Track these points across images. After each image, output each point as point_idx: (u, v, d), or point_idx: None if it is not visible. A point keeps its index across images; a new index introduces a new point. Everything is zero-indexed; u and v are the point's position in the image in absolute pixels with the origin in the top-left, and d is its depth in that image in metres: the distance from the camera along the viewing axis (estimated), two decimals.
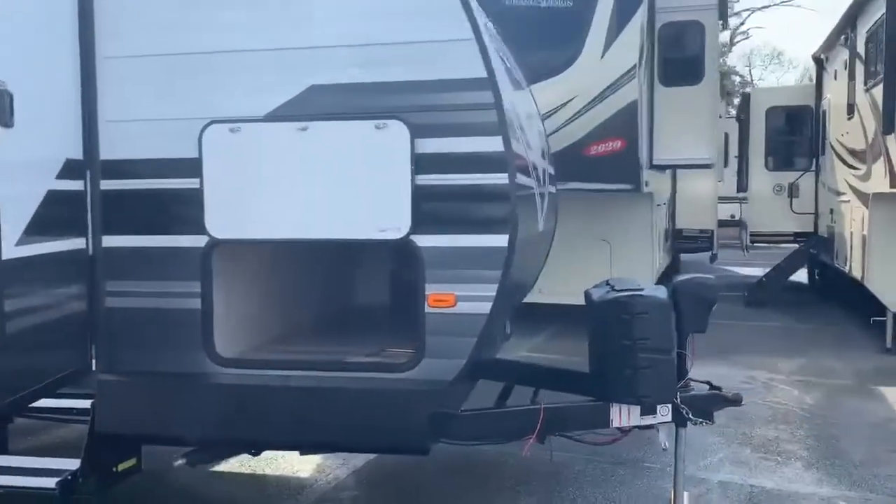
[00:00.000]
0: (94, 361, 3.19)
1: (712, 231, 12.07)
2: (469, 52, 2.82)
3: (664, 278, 11.20)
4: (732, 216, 15.48)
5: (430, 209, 2.91)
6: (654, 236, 8.51)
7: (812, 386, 6.74)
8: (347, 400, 3.02)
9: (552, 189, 4.89)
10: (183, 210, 3.04)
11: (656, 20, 7.49)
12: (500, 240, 2.87)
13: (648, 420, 3.82)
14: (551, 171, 4.93)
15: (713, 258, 13.21)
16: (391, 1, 2.93)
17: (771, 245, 13.05)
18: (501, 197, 2.86)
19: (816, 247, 11.23)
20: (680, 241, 12.44)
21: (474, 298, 2.91)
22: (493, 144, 2.86)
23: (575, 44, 6.56)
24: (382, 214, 2.90)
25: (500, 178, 2.86)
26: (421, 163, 2.89)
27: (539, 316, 8.15)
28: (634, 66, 6.43)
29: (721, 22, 9.00)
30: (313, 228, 2.99)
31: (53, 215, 2.88)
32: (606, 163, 6.67)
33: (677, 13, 7.51)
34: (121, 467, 3.36)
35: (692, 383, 4.03)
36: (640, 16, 6.62)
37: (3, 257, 2.54)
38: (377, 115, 2.90)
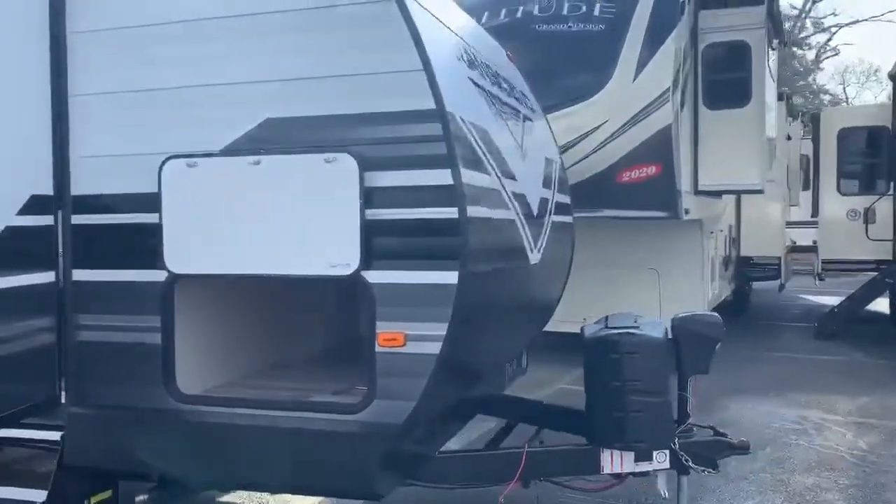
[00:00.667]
0: (62, 393, 3.22)
1: (780, 258, 11.50)
2: (417, 84, 2.73)
3: (729, 307, 10.75)
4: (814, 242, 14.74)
5: (379, 244, 2.81)
6: (704, 265, 8.14)
7: (869, 428, 6.24)
8: (301, 440, 2.93)
9: (563, 218, 4.71)
10: (144, 244, 3.05)
11: (699, 41, 7.22)
12: (450, 276, 2.74)
13: (644, 467, 3.60)
14: (563, 199, 4.75)
15: (781, 287, 12.58)
16: (340, 33, 2.86)
17: (846, 273, 12.29)
18: (451, 231, 2.74)
19: (894, 276, 10.51)
20: (748, 269, 11.91)
21: (424, 338, 2.78)
22: (441, 177, 2.74)
23: (606, 67, 6.37)
24: (333, 250, 2.82)
25: (450, 212, 2.74)
26: (370, 196, 2.80)
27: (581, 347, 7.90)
28: (667, 89, 6.18)
29: (778, 41, 8.61)
30: (267, 264, 2.93)
31: (14, 250, 2.94)
32: (641, 189, 6.42)
33: (722, 33, 7.21)
34: (94, 500, 3.37)
35: (695, 428, 3.78)
36: (675, 38, 6.37)
37: None
38: (327, 148, 2.83)
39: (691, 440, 3.67)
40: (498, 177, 3.29)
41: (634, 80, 6.30)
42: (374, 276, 2.82)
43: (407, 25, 2.74)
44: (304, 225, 2.86)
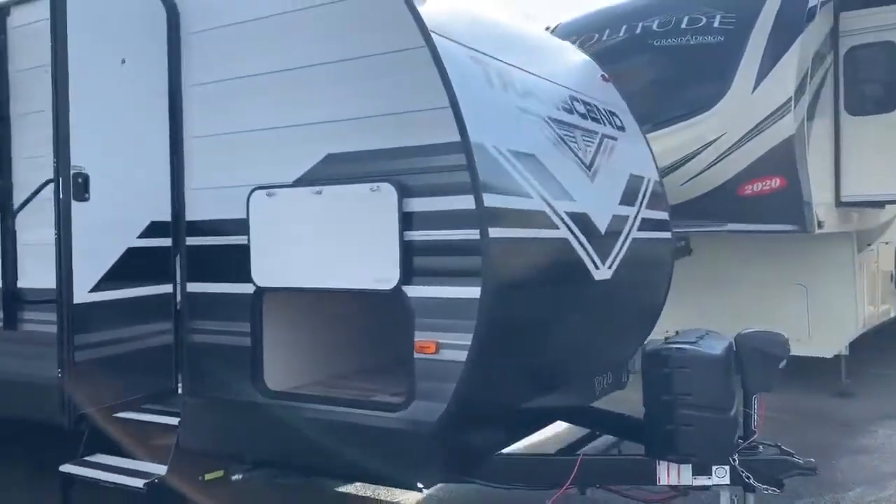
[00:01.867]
0: (179, 385, 3.89)
1: None
2: (445, 119, 3.06)
3: None
4: None
5: (415, 262, 3.18)
6: (858, 281, 7.61)
7: None
8: (356, 433, 3.35)
9: (652, 234, 4.78)
10: (238, 261, 3.63)
11: (840, 45, 6.83)
12: (474, 291, 3.04)
13: (703, 481, 3.65)
14: (653, 215, 4.81)
15: None
16: (382, 78, 3.27)
17: None
18: (473, 250, 3.04)
19: None
20: None
21: (453, 346, 3.09)
22: (465, 202, 3.05)
23: (724, 79, 6.25)
24: (378, 267, 3.23)
25: (472, 234, 3.04)
26: (407, 220, 3.18)
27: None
28: (790, 99, 5.96)
29: None
30: (326, 279, 3.41)
31: (135, 267, 3.64)
32: (765, 202, 6.21)
33: (864, 35, 6.77)
34: (207, 477, 4.01)
35: (762, 446, 3.74)
36: (802, 45, 6.11)
37: (76, 301, 3.33)
38: (372, 178, 3.25)
39: (754, 458, 3.65)
40: (544, 199, 3.52)
41: (753, 90, 6.13)
42: (412, 291, 3.19)
43: (437, 68, 3.08)
44: (354, 245, 3.30)
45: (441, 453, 3.23)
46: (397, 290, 3.20)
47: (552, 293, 3.57)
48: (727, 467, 3.59)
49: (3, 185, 4.54)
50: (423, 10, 3.24)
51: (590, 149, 4.26)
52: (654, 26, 6.72)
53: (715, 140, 6.30)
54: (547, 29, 8.24)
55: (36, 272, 3.97)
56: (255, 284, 3.59)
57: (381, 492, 5.21)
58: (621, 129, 4.91)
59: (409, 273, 3.18)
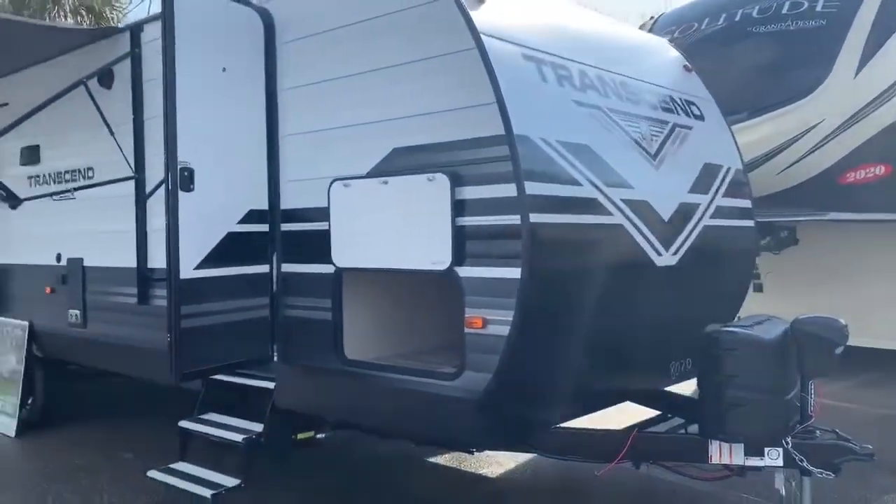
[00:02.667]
0: (274, 353, 4.42)
1: None
2: (491, 115, 3.35)
3: None
4: None
5: (466, 245, 3.50)
6: None
7: None
8: (418, 398, 3.72)
9: (728, 222, 4.83)
10: (322, 245, 4.09)
11: None
12: (515, 272, 3.32)
13: (755, 461, 3.76)
14: (729, 203, 4.85)
15: None
16: (438, 77, 3.60)
17: None
18: (514, 234, 3.32)
19: None
20: None
21: (497, 322, 3.39)
22: (508, 191, 3.33)
23: (824, 65, 6.09)
24: (433, 249, 3.57)
25: (514, 219, 3.32)
26: (459, 207, 3.50)
27: (857, 359, 7.44)
28: (894, 84, 5.72)
29: None
30: (390, 260, 3.79)
31: (234, 249, 4.19)
32: (868, 190, 6.00)
33: None
34: (300, 436, 4.53)
35: (819, 431, 3.78)
36: None
37: (182, 277, 3.90)
38: (430, 169, 3.59)
39: (809, 441, 3.69)
40: (596, 186, 3.73)
41: (855, 76, 5.92)
42: (463, 271, 3.52)
43: (485, 67, 3.38)
44: (413, 230, 3.66)
45: (488, 420, 3.53)
46: (450, 271, 3.54)
47: (603, 276, 3.76)
48: (780, 449, 3.66)
49: (138, 179, 5.29)
50: (476, 14, 3.54)
51: (656, 138, 4.39)
52: (754, 13, 6.62)
53: (814, 126, 6.15)
54: (651, 19, 8.26)
55: (160, 254, 4.60)
56: (334, 265, 4.04)
57: (466, 463, 5.59)
58: (699, 118, 4.97)
59: (460, 255, 3.51)
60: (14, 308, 6.87)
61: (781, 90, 6.29)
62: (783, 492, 3.78)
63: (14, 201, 5.29)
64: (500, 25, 3.66)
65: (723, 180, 4.88)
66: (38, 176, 6.47)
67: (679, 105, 4.81)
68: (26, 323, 6.59)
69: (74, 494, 5.11)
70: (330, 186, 4.02)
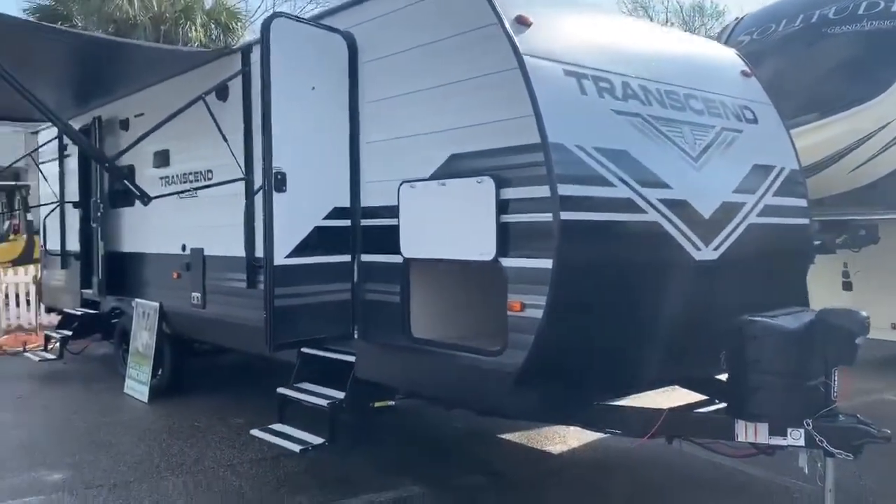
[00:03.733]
0: (354, 331, 5.09)
1: None
2: (529, 125, 3.86)
3: None
4: None
5: (508, 239, 4.03)
6: None
7: None
8: (470, 372, 4.29)
9: (778, 220, 5.08)
10: (393, 238, 4.72)
11: None
12: (547, 262, 3.82)
13: (778, 441, 4.08)
14: (779, 202, 5.10)
15: None
16: (486, 93, 4.14)
17: None
18: (547, 230, 3.81)
19: None
20: None
21: (533, 306, 3.90)
22: (543, 192, 3.83)
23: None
24: (481, 242, 4.12)
25: (547, 217, 3.82)
26: (503, 206, 4.04)
27: None
28: None
29: None
30: (446, 252, 4.37)
31: (320, 241, 4.89)
32: None
33: None
34: (377, 404, 5.18)
35: (842, 416, 4.04)
36: None
37: (276, 263, 4.64)
38: (479, 173, 4.14)
39: (829, 424, 3.96)
40: (630, 187, 4.15)
41: None
42: (506, 262, 4.05)
43: (525, 85, 3.89)
44: (465, 226, 4.22)
45: (525, 392, 4.04)
46: (495, 261, 4.08)
47: (635, 268, 4.18)
48: (802, 430, 3.96)
49: (247, 180, 6.11)
50: (522, 36, 4.06)
51: (700, 142, 4.74)
52: (831, 14, 6.71)
53: (888, 124, 6.21)
54: (736, 19, 8.41)
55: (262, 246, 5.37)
56: (402, 256, 4.66)
57: (534, 439, 6.10)
58: (752, 121, 5.24)
59: (503, 247, 4.04)
60: (148, 291, 7.96)
61: (856, 89, 6.37)
62: (807, 470, 4.07)
63: (146, 199, 6.23)
64: (543, 45, 4.15)
65: (774, 180, 5.14)
66: (167, 177, 7.49)
67: (730, 110, 5.11)
68: (157, 304, 7.63)
69: (193, 448, 6.02)
70: (399, 187, 4.64)
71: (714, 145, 4.83)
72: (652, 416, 4.33)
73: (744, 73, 5.56)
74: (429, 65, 4.54)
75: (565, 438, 6.15)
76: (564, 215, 3.80)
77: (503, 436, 6.25)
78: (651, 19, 21.88)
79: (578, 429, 5.80)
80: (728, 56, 5.72)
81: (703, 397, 5.06)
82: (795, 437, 3.99)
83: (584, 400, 4.39)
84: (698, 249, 4.51)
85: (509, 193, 4.03)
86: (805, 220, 5.36)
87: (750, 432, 4.09)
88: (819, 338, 4.01)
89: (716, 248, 4.63)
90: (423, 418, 6.42)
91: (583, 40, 4.55)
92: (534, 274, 3.91)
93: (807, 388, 3.97)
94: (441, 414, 6.28)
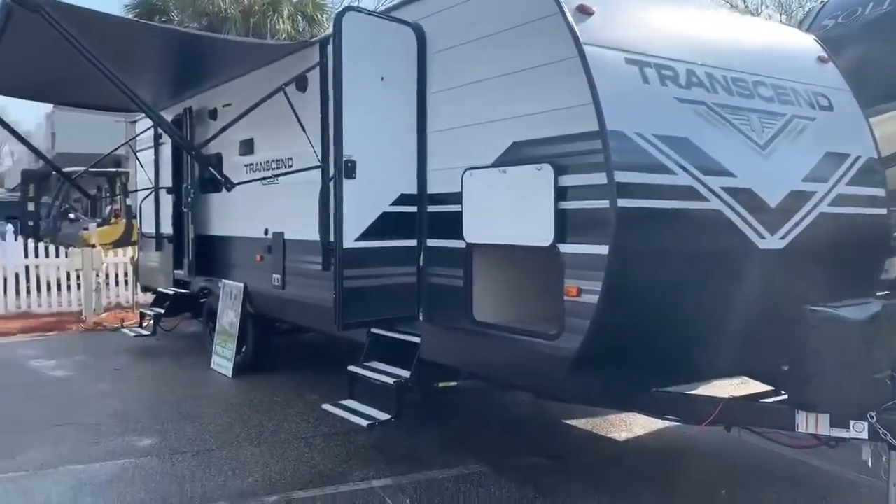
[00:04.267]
0: (420, 313, 5.28)
1: None
2: (587, 114, 3.93)
3: None
4: None
5: (566, 225, 4.11)
6: None
7: None
8: (527, 354, 4.41)
9: (851, 210, 4.97)
10: (456, 224, 4.87)
11: None
12: (603, 249, 3.89)
13: (840, 433, 4.04)
14: (853, 191, 4.99)
15: None
16: (546, 81, 4.22)
17: None
18: (604, 217, 3.88)
19: None
20: None
21: (590, 291, 3.97)
22: (600, 179, 3.90)
23: None
24: (539, 228, 4.22)
25: (603, 203, 3.88)
26: (561, 193, 4.12)
27: None
28: None
29: None
30: (506, 237, 4.49)
31: (387, 226, 5.09)
32: None
33: None
34: (441, 384, 5.36)
35: None
36: None
37: (345, 247, 4.86)
38: (538, 160, 4.24)
39: (894, 417, 3.88)
40: (692, 175, 4.16)
41: None
42: (563, 247, 4.14)
43: (584, 73, 3.95)
44: (525, 212, 4.33)
45: (581, 376, 4.13)
46: (552, 247, 4.17)
47: (696, 256, 4.19)
48: (865, 423, 3.90)
49: (324, 167, 6.38)
50: (583, 25, 4.11)
51: (768, 129, 4.68)
52: None
53: None
54: (821, 3, 8.13)
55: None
56: (465, 241, 4.81)
57: (599, 426, 6.17)
58: (826, 108, 5.12)
59: (561, 233, 4.13)
60: (234, 272, 8.39)
61: None
62: (870, 464, 4.00)
63: (230, 185, 6.59)
64: (605, 34, 4.20)
65: (848, 169, 5.01)
66: (252, 164, 7.87)
67: (802, 97, 5.00)
68: (242, 285, 8.05)
69: (270, 421, 6.37)
70: (463, 175, 4.79)
71: (783, 133, 4.75)
72: (710, 403, 4.33)
73: (820, 59, 5.42)
74: (492, 55, 4.65)
75: (631, 426, 6.18)
76: (621, 202, 3.85)
77: (568, 421, 6.33)
78: (745, 4, 21.02)
79: (644, 417, 5.86)
80: (804, 42, 5.58)
81: (771, 388, 5.01)
82: (858, 430, 3.92)
83: (640, 386, 4.43)
84: (763, 238, 4.46)
85: (568, 180, 4.11)
86: (882, 211, 5.20)
87: (811, 423, 4.04)
88: (885, 330, 3.93)
89: (783, 237, 4.57)
90: (488, 400, 6.57)
91: (648, 28, 4.56)
92: (590, 260, 3.98)
93: (872, 380, 3.90)
94: (507, 397, 6.42)
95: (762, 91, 4.80)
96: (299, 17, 16.94)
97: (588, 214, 4.02)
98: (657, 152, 4.06)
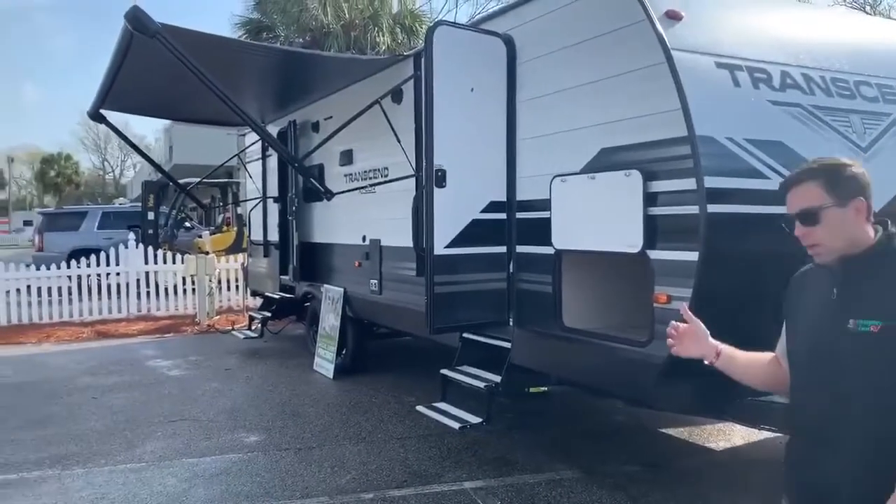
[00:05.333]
0: (510, 319, 5.36)
1: None
2: (676, 119, 3.91)
3: None
4: None
5: (656, 231, 4.10)
6: None
7: None
8: (614, 360, 4.42)
9: None
10: (545, 230, 4.93)
11: None
12: (692, 255, 3.86)
13: None
14: None
15: None
16: (635, 88, 4.21)
17: None
18: (693, 222, 3.85)
19: None
20: None
21: (679, 298, 3.94)
22: (689, 184, 3.87)
23: None
24: (628, 235, 4.22)
25: (693, 209, 3.85)
26: (650, 199, 4.11)
27: None
28: None
29: None
30: (594, 243, 4.51)
31: (477, 232, 5.20)
32: None
33: None
34: (532, 389, 5.42)
35: None
36: None
37: (436, 253, 5.00)
38: (627, 166, 4.24)
39: None
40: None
41: None
42: (652, 254, 4.12)
43: (673, 79, 3.94)
44: (613, 218, 4.34)
45: (672, 384, 4.10)
46: (642, 253, 4.16)
47: (791, 262, 4.06)
48: None
49: (418, 176, 6.56)
50: (671, 31, 4.10)
51: (871, 131, 4.50)
52: None
53: None
54: None
55: None
56: (554, 247, 4.86)
57: (696, 434, 6.06)
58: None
59: (650, 240, 4.12)
60: (334, 278, 8.73)
61: None
62: None
63: (329, 195, 6.88)
64: (695, 39, 4.16)
65: None
66: (351, 174, 8.18)
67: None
68: (342, 290, 8.36)
69: (368, 421, 6.60)
70: (551, 181, 4.84)
71: (888, 134, 4.56)
72: None
73: None
74: (581, 62, 4.69)
75: (729, 436, 6.04)
76: (711, 208, 3.81)
77: (664, 430, 6.24)
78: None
79: (743, 427, 5.72)
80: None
81: None
82: None
83: (734, 394, 4.33)
84: None
85: (657, 186, 4.10)
86: None
87: None
88: None
89: None
90: (581, 406, 6.56)
91: (739, 31, 4.48)
92: (680, 266, 3.96)
93: None
94: (600, 404, 6.39)
95: (865, 91, 4.62)
96: (398, 29, 17.36)
97: (678, 220, 3.99)
98: (749, 156, 3.99)
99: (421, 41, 17.44)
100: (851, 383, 1.96)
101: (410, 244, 6.66)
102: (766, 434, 5.54)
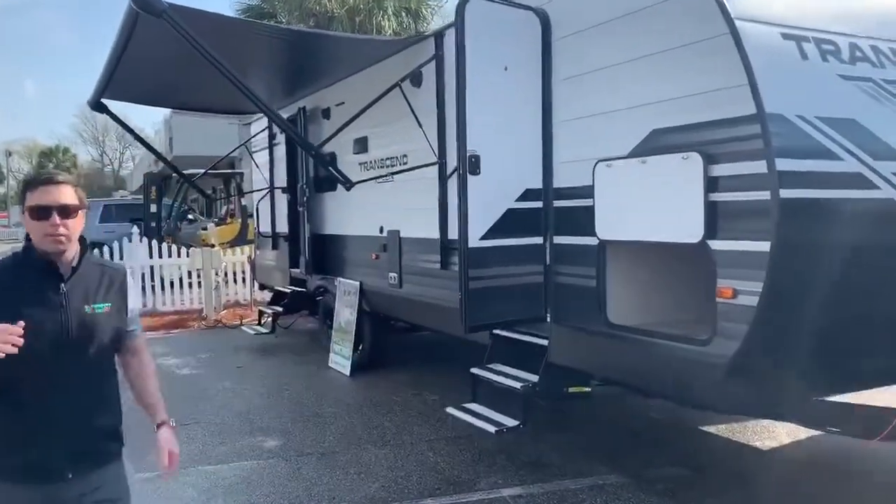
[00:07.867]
0: (548, 315, 5.01)
1: None
2: (742, 96, 3.54)
3: None
4: None
5: (717, 219, 3.74)
6: None
7: None
8: (670, 359, 4.06)
9: None
10: (587, 219, 4.57)
11: None
12: (764, 245, 3.50)
13: None
14: None
15: None
16: (692, 62, 3.84)
17: None
18: (764, 210, 3.48)
19: None
20: None
21: (747, 293, 3.59)
22: (759, 167, 3.50)
23: None
24: (686, 223, 3.86)
25: (764, 195, 3.49)
26: (711, 184, 3.75)
27: None
28: None
29: None
30: (647, 233, 4.14)
31: (513, 223, 4.84)
32: None
33: None
34: (572, 389, 5.08)
35: None
36: None
37: (470, 246, 4.64)
38: (684, 148, 3.88)
39: None
40: (861, 161, 3.70)
41: None
42: (714, 244, 3.76)
43: (738, 51, 3.57)
44: (669, 206, 3.97)
45: (736, 385, 3.75)
46: (702, 243, 3.80)
47: (866, 251, 3.73)
48: None
49: (441, 164, 6.20)
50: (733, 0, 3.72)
51: None
52: None
53: None
54: None
55: (457, 227, 5.43)
56: (598, 238, 4.50)
57: (739, 433, 5.73)
58: None
59: (712, 229, 3.76)
60: (349, 271, 8.37)
61: None
62: None
63: (349, 184, 6.52)
64: (758, 8, 3.79)
65: None
66: (366, 162, 7.80)
67: None
68: (358, 283, 8.01)
69: (391, 423, 6.27)
70: (595, 167, 4.47)
71: None
72: (881, 415, 3.87)
73: None
74: (628, 36, 4.31)
75: (774, 434, 5.71)
76: (784, 193, 3.45)
77: (705, 428, 5.91)
78: None
79: (788, 424, 5.39)
80: None
81: None
82: None
83: (801, 395, 4.00)
84: None
85: (719, 170, 3.73)
86: None
87: None
88: None
89: None
90: (618, 406, 6.22)
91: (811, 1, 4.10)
92: (748, 258, 3.60)
93: None
94: (637, 403, 6.06)
95: None
96: (404, 13, 16.93)
97: (745, 207, 3.63)
98: (821, 136, 3.62)
99: (426, 25, 17.03)
100: None
101: (432, 235, 6.33)
102: (811, 431, 5.21)
